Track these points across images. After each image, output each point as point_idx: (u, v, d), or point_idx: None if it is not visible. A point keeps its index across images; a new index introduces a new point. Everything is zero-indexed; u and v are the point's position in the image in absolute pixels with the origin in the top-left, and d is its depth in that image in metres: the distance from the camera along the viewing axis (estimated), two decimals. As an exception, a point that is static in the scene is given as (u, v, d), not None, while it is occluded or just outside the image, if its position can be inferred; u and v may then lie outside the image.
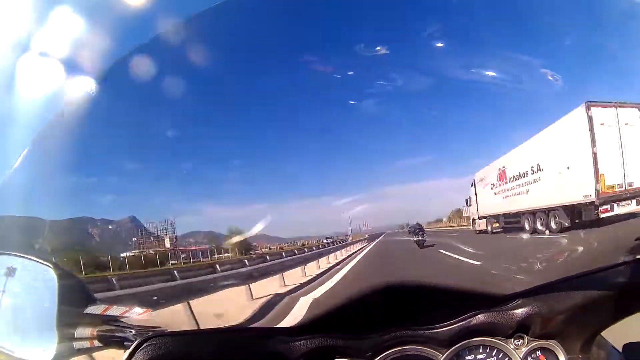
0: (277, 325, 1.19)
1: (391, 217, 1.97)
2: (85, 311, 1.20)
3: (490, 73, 1.43)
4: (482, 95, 1.57)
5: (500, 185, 3.00)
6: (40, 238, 1.39)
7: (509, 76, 1.45)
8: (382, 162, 1.66)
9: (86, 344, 1.17)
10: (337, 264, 2.88)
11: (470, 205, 3.65)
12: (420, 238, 1.97)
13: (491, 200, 3.14)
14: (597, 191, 2.43)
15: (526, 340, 1.21)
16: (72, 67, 1.20)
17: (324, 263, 3.00)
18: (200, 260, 1.82)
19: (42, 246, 1.26)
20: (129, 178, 1.47)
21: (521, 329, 1.20)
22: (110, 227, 1.63)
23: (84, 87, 1.21)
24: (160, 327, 1.20)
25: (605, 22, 1.52)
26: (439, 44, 1.35)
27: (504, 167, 2.96)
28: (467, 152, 1.70)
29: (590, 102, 2.42)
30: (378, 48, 1.32)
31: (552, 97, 1.52)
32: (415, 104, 1.54)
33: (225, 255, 1.75)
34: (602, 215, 2.36)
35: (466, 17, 1.41)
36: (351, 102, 1.51)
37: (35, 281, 1.20)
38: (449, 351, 1.18)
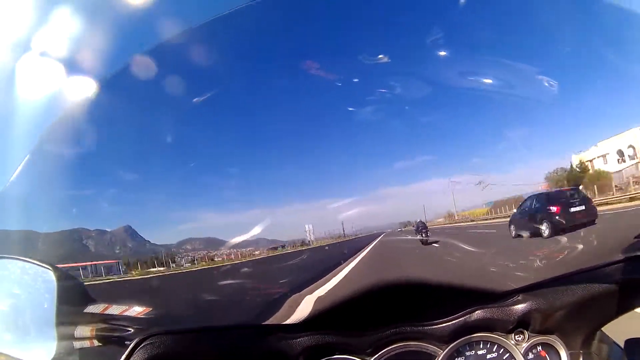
0: (278, 323, 1.19)
1: (391, 216, 1.96)
2: (84, 310, 1.20)
3: (491, 80, 1.46)
4: (482, 100, 1.58)
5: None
6: (34, 251, 1.39)
7: (509, 83, 1.47)
8: (381, 165, 1.67)
9: (86, 343, 1.17)
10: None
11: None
12: (423, 236, 1.98)
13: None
14: None
15: (527, 336, 1.20)
16: (72, 67, 1.21)
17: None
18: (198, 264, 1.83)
19: (36, 259, 1.27)
20: (129, 187, 1.48)
21: (521, 324, 1.20)
22: (105, 237, 1.63)
23: (85, 89, 1.22)
24: (159, 325, 1.20)
25: (604, 29, 1.54)
26: (440, 53, 1.37)
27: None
28: (466, 153, 1.71)
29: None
30: (380, 56, 1.34)
31: (551, 101, 1.53)
32: (414, 110, 1.55)
33: (225, 258, 1.75)
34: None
35: (467, 26, 1.43)
36: (351, 108, 1.52)
37: (34, 282, 1.20)
38: (450, 347, 1.18)
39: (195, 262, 1.77)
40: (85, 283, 1.46)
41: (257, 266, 1.68)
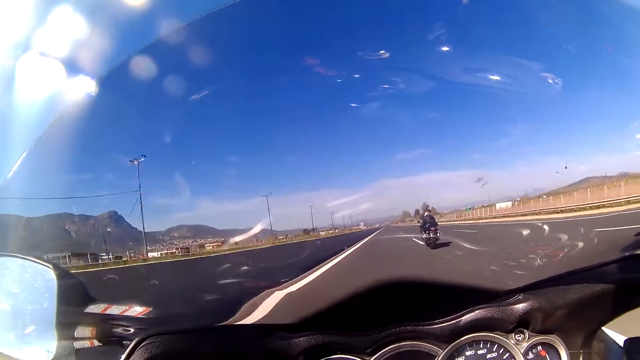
0: (278, 323, 1.19)
1: (389, 209, 1.86)
2: (84, 310, 1.20)
3: (492, 76, 1.46)
4: (484, 96, 1.58)
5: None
6: (16, 237, 1.39)
7: (510, 79, 1.47)
8: (380, 157, 1.66)
9: (86, 343, 1.17)
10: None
11: None
12: (431, 235, 1.56)
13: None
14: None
15: (527, 335, 1.20)
16: (72, 67, 1.21)
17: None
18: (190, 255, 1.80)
19: (14, 245, 1.26)
20: (126, 175, 1.48)
21: (522, 324, 1.19)
22: (88, 222, 1.61)
23: (85, 87, 1.22)
24: (159, 325, 1.20)
25: (607, 27, 1.54)
26: (442, 48, 1.37)
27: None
28: (467, 148, 1.70)
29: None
30: (380, 51, 1.34)
31: (552, 98, 1.53)
32: (415, 105, 1.55)
33: (215, 249, 1.74)
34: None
35: (468, 22, 1.43)
36: (353, 104, 1.52)
37: (34, 282, 1.20)
38: (450, 346, 1.17)
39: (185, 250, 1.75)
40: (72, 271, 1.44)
41: (245, 258, 1.65)
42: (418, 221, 1.64)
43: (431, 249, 1.55)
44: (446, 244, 1.57)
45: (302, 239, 1.89)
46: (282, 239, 1.88)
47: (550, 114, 1.64)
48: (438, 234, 1.57)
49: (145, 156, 1.41)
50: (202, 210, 1.59)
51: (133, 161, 1.41)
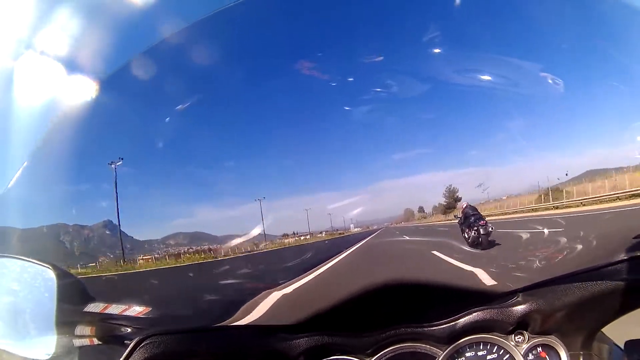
0: (278, 323, 1.19)
1: (390, 209, 1.82)
2: (84, 310, 1.20)
3: (487, 76, 1.46)
4: (480, 96, 1.58)
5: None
6: (8, 247, 1.39)
7: (505, 79, 1.47)
8: (377, 159, 1.66)
9: (86, 342, 1.17)
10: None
11: None
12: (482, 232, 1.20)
13: None
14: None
15: (526, 337, 1.20)
16: (72, 67, 1.21)
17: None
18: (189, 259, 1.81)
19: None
20: (125, 183, 1.48)
21: (521, 325, 1.19)
22: (82, 233, 1.61)
23: (84, 88, 1.22)
24: (159, 325, 1.20)
25: (605, 25, 1.54)
26: (436, 50, 1.37)
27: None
28: (465, 145, 1.70)
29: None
30: (375, 54, 1.34)
31: (551, 99, 1.53)
32: (411, 107, 1.55)
33: (213, 255, 1.75)
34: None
35: (464, 23, 1.43)
36: (347, 107, 1.52)
37: (34, 281, 1.20)
38: (450, 348, 1.17)
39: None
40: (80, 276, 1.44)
41: (246, 262, 1.65)
42: (455, 216, 1.32)
43: (482, 249, 1.23)
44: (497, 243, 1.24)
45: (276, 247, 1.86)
46: (266, 245, 1.87)
47: (546, 111, 1.65)
48: (489, 228, 1.23)
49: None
50: (199, 217, 1.59)
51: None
